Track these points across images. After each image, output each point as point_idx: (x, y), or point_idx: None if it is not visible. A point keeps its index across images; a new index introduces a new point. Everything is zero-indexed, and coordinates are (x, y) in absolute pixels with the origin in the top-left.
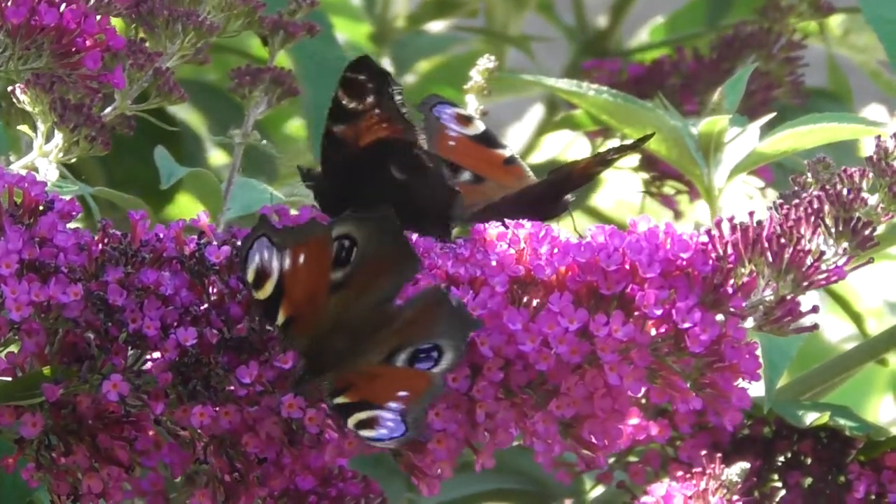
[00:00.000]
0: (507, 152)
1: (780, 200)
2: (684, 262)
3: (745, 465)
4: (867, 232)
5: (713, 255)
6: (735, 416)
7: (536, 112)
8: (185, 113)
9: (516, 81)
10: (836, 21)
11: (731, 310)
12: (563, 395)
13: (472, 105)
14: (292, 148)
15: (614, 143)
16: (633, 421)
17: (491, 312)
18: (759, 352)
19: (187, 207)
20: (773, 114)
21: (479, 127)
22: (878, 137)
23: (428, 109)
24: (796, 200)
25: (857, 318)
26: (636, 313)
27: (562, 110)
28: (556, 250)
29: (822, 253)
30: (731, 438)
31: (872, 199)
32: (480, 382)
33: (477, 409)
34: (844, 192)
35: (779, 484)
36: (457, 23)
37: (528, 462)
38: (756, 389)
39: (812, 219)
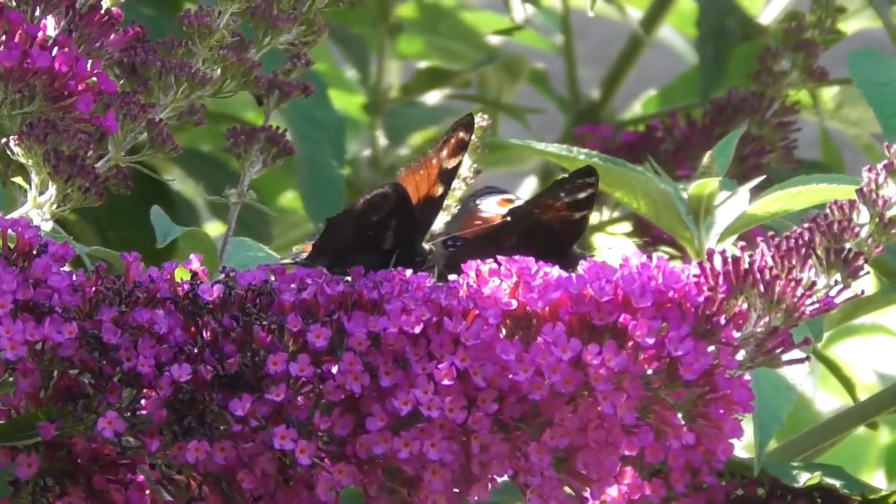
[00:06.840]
0: None
1: (772, 234)
2: (677, 294)
3: None
4: (858, 262)
5: (705, 286)
6: (728, 448)
7: (530, 184)
8: (180, 183)
9: (511, 155)
10: (828, 94)
11: (724, 341)
12: (556, 425)
13: (465, 164)
14: (288, 220)
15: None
16: (628, 480)
17: (484, 343)
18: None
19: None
20: (764, 177)
21: None
22: (869, 169)
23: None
24: (787, 233)
25: (847, 384)
26: (629, 344)
27: None
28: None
29: (814, 283)
30: (725, 499)
31: (863, 231)
32: (476, 413)
33: (472, 441)
34: (835, 223)
35: None
36: (450, 93)
37: None
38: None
39: (803, 250)
